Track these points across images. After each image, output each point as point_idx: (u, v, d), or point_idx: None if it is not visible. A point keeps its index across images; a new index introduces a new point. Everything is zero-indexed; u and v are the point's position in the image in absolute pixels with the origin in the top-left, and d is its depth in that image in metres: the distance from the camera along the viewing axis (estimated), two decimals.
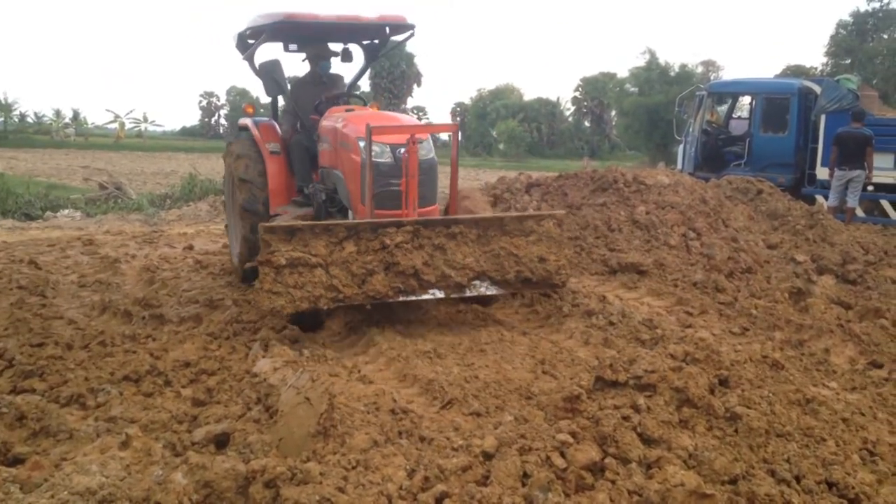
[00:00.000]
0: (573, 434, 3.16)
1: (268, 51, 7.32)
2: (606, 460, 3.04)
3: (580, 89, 65.38)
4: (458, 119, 78.09)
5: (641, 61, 40.69)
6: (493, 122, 63.92)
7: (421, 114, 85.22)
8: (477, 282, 5.76)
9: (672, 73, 39.33)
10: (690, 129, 15.73)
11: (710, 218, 8.32)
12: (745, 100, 16.82)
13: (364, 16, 7.09)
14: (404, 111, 67.58)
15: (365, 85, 69.14)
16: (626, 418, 3.23)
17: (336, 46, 7.62)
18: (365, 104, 7.57)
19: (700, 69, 42.00)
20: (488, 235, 5.83)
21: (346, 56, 7.60)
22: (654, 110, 37.03)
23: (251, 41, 7.40)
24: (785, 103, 14.33)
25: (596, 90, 62.88)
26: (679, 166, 15.66)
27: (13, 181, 18.25)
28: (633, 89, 42.27)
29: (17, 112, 71.43)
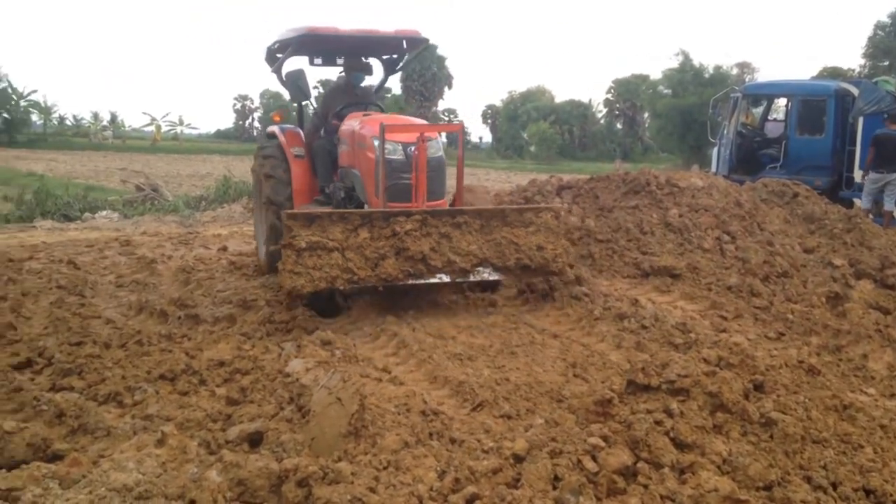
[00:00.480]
0: (605, 438, 3.14)
1: (295, 64, 7.82)
2: (639, 465, 3.02)
3: (612, 91, 64.96)
4: (490, 121, 78.17)
5: (675, 63, 40.39)
6: (525, 124, 63.75)
7: (452, 116, 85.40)
8: (480, 268, 6.14)
9: (706, 75, 38.96)
10: (725, 132, 15.55)
11: (745, 221, 8.22)
12: (781, 102, 16.57)
13: (381, 30, 7.60)
14: (434, 114, 67.90)
15: (396, 87, 69.51)
16: (658, 423, 3.20)
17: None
18: (382, 111, 7.94)
19: (735, 71, 41.59)
20: (491, 225, 6.26)
21: (367, 69, 8.12)
22: (687, 112, 36.69)
23: (279, 55, 7.95)
24: (822, 105, 14.11)
25: (628, 92, 62.44)
26: (713, 169, 15.48)
27: (53, 183, 18.62)
28: (666, 91, 41.93)
29: (56, 115, 72.96)
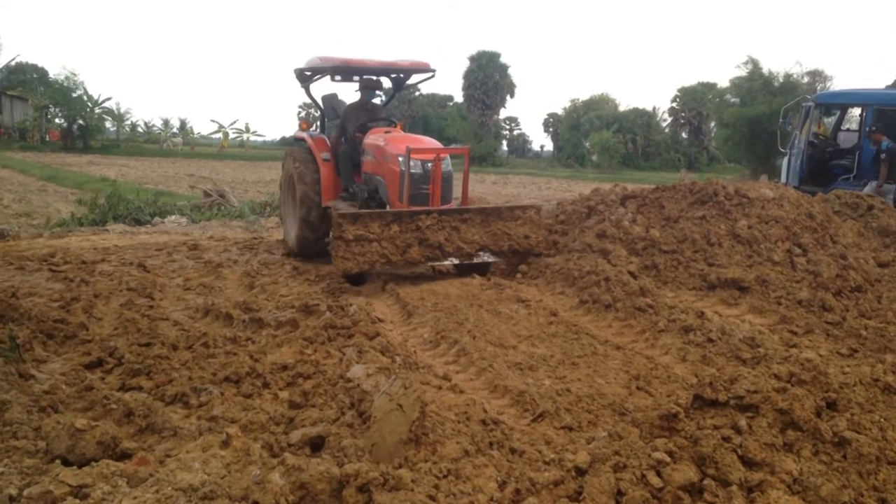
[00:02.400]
0: (670, 453, 3.07)
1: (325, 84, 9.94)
2: (705, 482, 2.93)
3: (678, 100, 63.96)
4: (551, 130, 77.78)
5: (743, 71, 39.44)
6: (587, 132, 63.21)
7: (513, 124, 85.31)
8: (481, 252, 7.99)
9: (776, 84, 37.95)
10: (796, 142, 15.14)
11: (817, 234, 7.96)
12: (855, 111, 16.06)
13: (401, 62, 9.80)
14: (496, 122, 67.86)
15: (458, 95, 69.70)
16: (726, 439, 3.11)
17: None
18: (394, 125, 9.83)
19: (806, 79, 40.44)
20: (489, 220, 8.10)
21: (378, 86, 10.08)
22: (755, 121, 35.80)
23: (308, 73, 9.90)
24: None
25: (694, 101, 61.41)
26: (783, 179, 15.09)
27: (125, 188, 19.19)
28: (734, 100, 41.00)
29: (128, 122, 75.27)
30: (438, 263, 8.03)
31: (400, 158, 8.13)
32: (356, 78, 9.95)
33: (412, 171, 8.03)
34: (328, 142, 9.80)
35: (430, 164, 8.17)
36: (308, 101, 10.93)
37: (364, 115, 9.73)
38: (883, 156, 13.00)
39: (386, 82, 10.51)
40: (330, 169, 9.53)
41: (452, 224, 7.85)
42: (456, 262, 7.92)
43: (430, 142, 8.86)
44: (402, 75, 10.23)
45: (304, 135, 10.06)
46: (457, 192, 8.95)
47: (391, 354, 5.14)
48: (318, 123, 10.76)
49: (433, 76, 9.97)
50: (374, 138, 8.96)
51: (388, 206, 8.42)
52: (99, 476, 2.89)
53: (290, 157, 10.02)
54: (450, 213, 7.90)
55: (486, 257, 8.04)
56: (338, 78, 9.94)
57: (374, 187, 8.79)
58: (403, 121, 11.72)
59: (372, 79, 9.88)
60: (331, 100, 10.22)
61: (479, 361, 5.11)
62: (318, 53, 9.67)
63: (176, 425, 3.79)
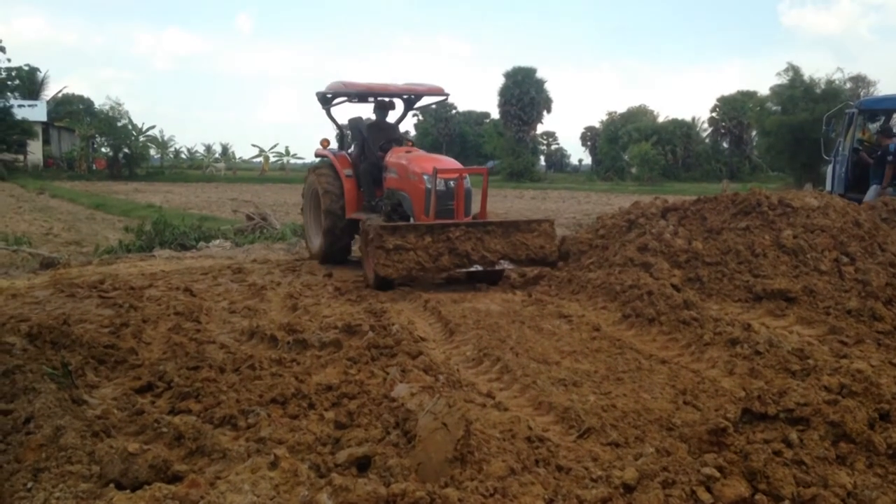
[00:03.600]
0: (720, 468, 3.03)
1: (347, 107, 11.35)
2: (757, 497, 2.89)
3: (717, 109, 63.28)
4: (589, 143, 77.46)
5: (784, 79, 38.91)
6: (626, 145, 62.83)
7: (551, 139, 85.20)
8: (502, 260, 8.79)
9: (817, 90, 37.35)
10: (840, 149, 14.87)
11: (865, 242, 7.80)
12: None
13: (418, 86, 10.98)
14: (533, 137, 67.82)
15: (494, 111, 69.85)
16: (777, 453, 3.06)
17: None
18: (411, 144, 10.98)
19: (848, 85, 39.70)
20: (509, 232, 8.95)
21: (392, 106, 11.11)
22: (798, 129, 35.29)
23: (329, 96, 10.91)
24: None
25: (734, 110, 60.73)
26: (828, 187, 14.81)
27: (170, 214, 19.56)
28: (775, 108, 40.44)
29: (172, 149, 76.89)
30: (465, 270, 8.75)
31: (425, 177, 9.02)
32: (371, 99, 10.97)
33: (438, 188, 8.92)
34: (349, 159, 10.80)
35: (453, 183, 9.12)
36: (341, 122, 11.76)
37: (382, 135, 10.73)
38: (890, 158, 12.86)
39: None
40: (352, 184, 10.49)
41: (478, 235, 8.71)
42: (480, 268, 8.72)
43: (452, 162, 9.84)
44: (414, 97, 11.32)
45: (327, 152, 11.14)
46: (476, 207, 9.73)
47: (434, 373, 5.14)
48: (338, 142, 11.73)
49: (446, 99, 11.30)
50: (397, 157, 9.83)
51: (412, 219, 9.29)
52: (152, 499, 2.94)
53: (314, 173, 11.16)
54: (475, 226, 8.80)
55: (507, 265, 8.88)
56: (355, 100, 11.08)
57: (398, 202, 9.62)
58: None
59: (385, 100, 10.94)
60: (357, 122, 11.15)
61: (522, 378, 5.09)
62: (340, 79, 10.91)
63: (225, 447, 3.83)
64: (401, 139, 10.96)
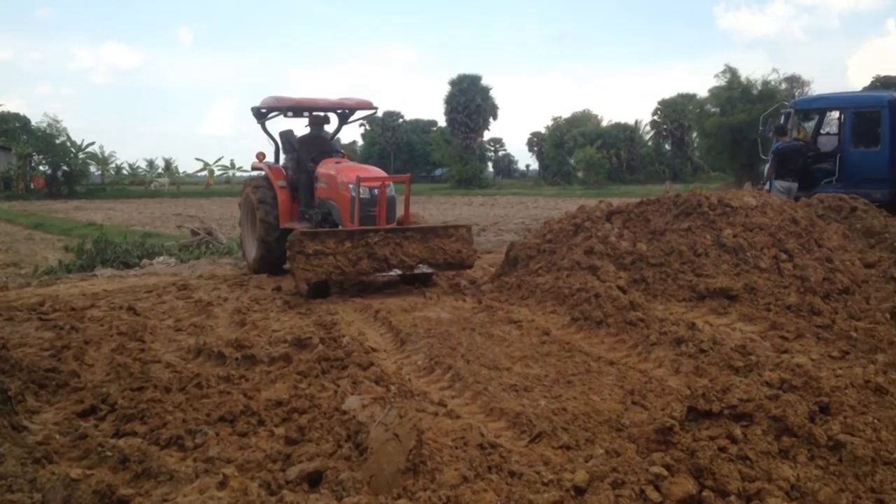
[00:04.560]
0: (667, 467, 3.08)
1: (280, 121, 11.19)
2: (704, 493, 2.94)
3: (659, 112, 64.51)
4: (535, 149, 78.20)
5: (722, 80, 39.87)
6: (571, 150, 63.68)
7: (498, 145, 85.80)
8: (420, 264, 9.07)
9: (755, 91, 38.37)
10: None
11: (802, 238, 8.01)
12: (834, 115, 16.21)
13: (347, 101, 11.59)
14: (480, 144, 68.26)
15: (441, 120, 70.13)
16: (722, 449, 3.12)
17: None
18: (343, 156, 11.46)
19: (784, 86, 40.87)
20: (427, 238, 9.24)
21: (326, 120, 11.58)
22: (737, 130, 36.22)
23: (264, 111, 11.35)
24: (876, 117, 13.74)
25: (675, 112, 61.96)
26: (766, 186, 15.20)
27: (111, 231, 19.13)
28: (714, 109, 41.41)
29: (113, 165, 75.29)
30: (385, 274, 9.28)
31: (350, 185, 9.52)
32: (306, 114, 11.50)
33: (362, 196, 9.42)
34: (284, 172, 11.28)
35: (376, 190, 9.62)
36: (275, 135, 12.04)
37: (315, 147, 11.20)
38: (770, 156, 14.12)
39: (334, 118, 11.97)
40: (286, 195, 10.97)
41: (396, 241, 9.01)
42: (399, 272, 9.09)
43: (377, 171, 10.42)
44: (347, 111, 11.88)
45: (262, 165, 11.60)
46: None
47: (386, 384, 5.12)
48: (274, 155, 12.05)
49: (375, 113, 12.14)
50: (326, 168, 10.35)
51: (340, 227, 9.74)
52: None
53: (250, 185, 11.55)
54: (394, 232, 9.14)
55: (425, 269, 9.20)
56: (290, 114, 11.61)
57: (328, 210, 10.17)
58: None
59: (320, 115, 11.43)
60: (288, 135, 11.72)
61: (473, 385, 5.10)
62: (275, 94, 11.37)
63: (172, 469, 3.76)
64: (333, 151, 11.42)
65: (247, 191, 11.66)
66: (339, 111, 11.85)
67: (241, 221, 12.18)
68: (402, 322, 7.16)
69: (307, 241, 8.65)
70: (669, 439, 3.36)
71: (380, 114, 12.95)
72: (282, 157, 11.94)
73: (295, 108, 11.31)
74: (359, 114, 12.10)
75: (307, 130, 11.64)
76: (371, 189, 9.58)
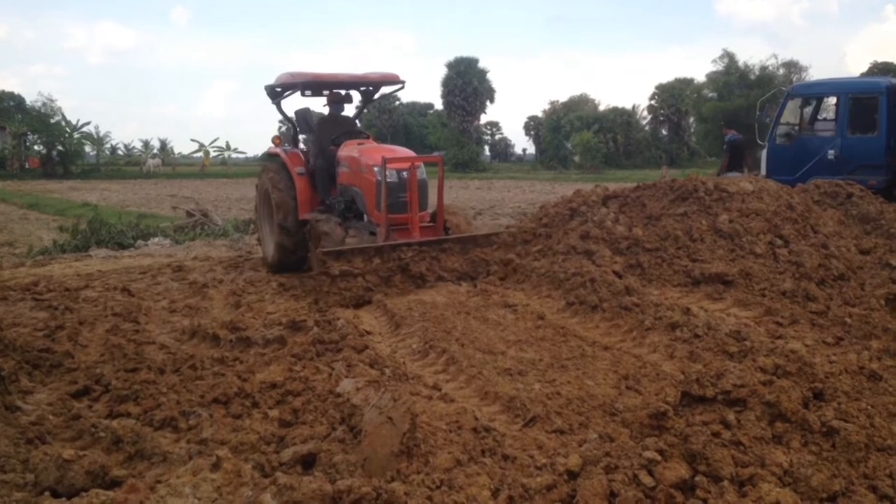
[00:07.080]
0: (661, 451, 3.08)
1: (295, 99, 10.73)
2: (697, 478, 2.95)
3: (656, 97, 64.30)
4: (532, 133, 78.01)
5: (719, 65, 39.80)
6: (568, 134, 63.50)
7: (495, 129, 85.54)
8: (461, 280, 8.04)
9: (752, 77, 38.32)
10: (774, 133, 15.25)
11: (798, 224, 8.01)
12: (831, 101, 16.18)
13: (370, 75, 10.07)
14: (477, 128, 68.06)
15: (437, 102, 69.89)
16: (716, 434, 3.13)
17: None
18: (366, 137, 10.10)
19: (781, 71, 40.79)
20: (467, 248, 8.37)
21: (348, 99, 10.23)
22: (734, 115, 36.16)
23: (278, 89, 10.08)
24: (873, 102, 13.72)
25: (672, 97, 61.76)
26: (762, 172, 15.19)
27: (106, 212, 19.08)
28: (711, 94, 41.37)
29: (108, 145, 74.94)
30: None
31: (375, 168, 8.42)
32: (325, 92, 10.15)
33: (388, 180, 8.25)
34: (302, 156, 10.02)
35: (405, 173, 8.44)
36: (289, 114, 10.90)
37: (336, 129, 9.93)
38: (725, 147, 14.85)
39: (356, 95, 10.61)
40: (305, 182, 9.75)
41: (433, 254, 8.07)
42: None
43: (404, 151, 9.11)
44: (371, 88, 10.46)
45: (279, 150, 10.26)
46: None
47: (380, 367, 5.13)
48: (291, 138, 10.91)
49: (403, 87, 10.20)
50: (348, 150, 9.20)
51: (365, 217, 8.87)
52: None
53: (266, 172, 10.21)
54: (430, 244, 8.14)
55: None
56: (308, 93, 10.16)
57: (351, 198, 9.09)
58: (375, 131, 12.06)
59: (340, 93, 10.10)
60: (304, 114, 10.43)
61: (468, 369, 5.10)
62: (289, 70, 9.97)
63: (165, 450, 3.76)
64: (355, 132, 10.15)
65: (262, 179, 10.39)
66: (361, 87, 10.48)
67: (258, 216, 10.89)
68: (398, 305, 7.15)
69: (331, 260, 7.66)
70: (663, 424, 3.36)
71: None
72: (300, 140, 10.81)
73: (313, 85, 9.88)
74: (385, 89, 10.63)
75: (326, 111, 10.37)
76: (399, 172, 8.43)
